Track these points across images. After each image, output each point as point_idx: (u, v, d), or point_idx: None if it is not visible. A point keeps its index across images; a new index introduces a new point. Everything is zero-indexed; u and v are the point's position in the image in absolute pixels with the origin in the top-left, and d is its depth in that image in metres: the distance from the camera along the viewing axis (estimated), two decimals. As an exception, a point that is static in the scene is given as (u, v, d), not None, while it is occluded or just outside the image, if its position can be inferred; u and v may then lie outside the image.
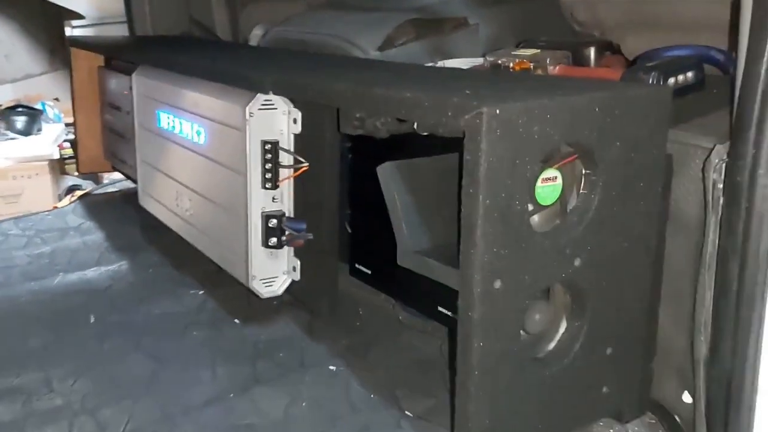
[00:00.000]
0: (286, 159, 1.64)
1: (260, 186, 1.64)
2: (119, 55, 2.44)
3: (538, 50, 1.51)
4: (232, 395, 1.50)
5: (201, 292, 2.00)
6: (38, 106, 5.30)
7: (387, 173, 1.18)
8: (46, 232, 2.53)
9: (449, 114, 0.99)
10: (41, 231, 2.55)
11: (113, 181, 3.18)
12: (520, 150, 0.99)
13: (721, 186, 1.07)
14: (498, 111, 0.94)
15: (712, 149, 1.10)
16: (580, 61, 1.53)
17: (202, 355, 1.68)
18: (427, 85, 1.25)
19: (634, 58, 1.53)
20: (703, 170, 1.11)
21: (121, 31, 6.17)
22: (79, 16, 6.31)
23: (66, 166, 5.08)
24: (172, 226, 2.12)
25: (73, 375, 1.60)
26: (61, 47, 6.18)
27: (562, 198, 1.11)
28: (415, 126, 1.11)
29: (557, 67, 1.45)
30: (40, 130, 5.13)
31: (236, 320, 1.83)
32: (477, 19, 2.03)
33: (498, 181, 0.98)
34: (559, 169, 1.08)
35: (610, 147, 1.09)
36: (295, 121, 1.61)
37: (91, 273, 2.18)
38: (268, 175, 1.63)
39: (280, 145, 1.62)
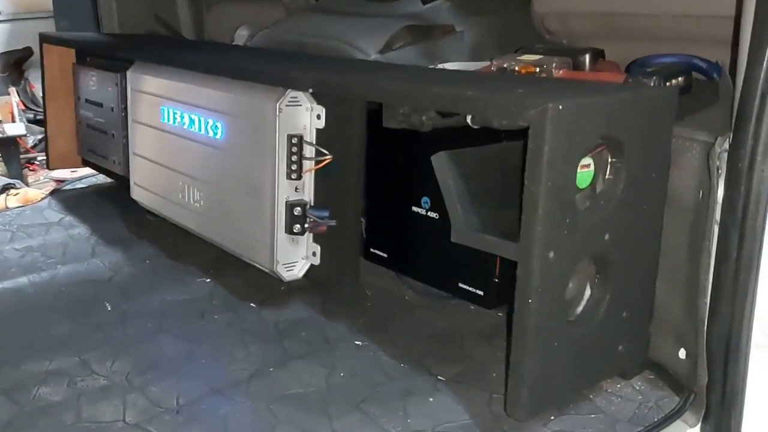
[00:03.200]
0: (308, 152, 1.77)
1: (285, 177, 1.76)
2: (116, 54, 2.48)
3: (541, 56, 1.71)
4: (271, 369, 1.62)
5: (207, 280, 2.09)
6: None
7: (441, 161, 1.34)
8: (29, 227, 2.54)
9: (513, 109, 1.16)
10: (23, 226, 2.55)
11: (79, 178, 3.17)
12: (572, 140, 1.18)
13: (722, 172, 1.30)
14: (561, 107, 1.12)
15: (715, 141, 1.32)
16: (576, 66, 1.74)
17: (229, 335, 1.79)
18: (470, 84, 1.42)
19: (628, 64, 1.75)
20: (708, 158, 1.33)
21: (43, 26, 6.06)
22: (-9, 11, 6.12)
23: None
24: (175, 218, 2.20)
25: (108, 357, 1.67)
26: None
27: (593, 182, 1.30)
28: (469, 120, 1.27)
29: (561, 71, 1.65)
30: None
31: (252, 304, 1.94)
32: (461, 27, 2.22)
33: (555, 166, 1.16)
34: (592, 157, 1.28)
35: (634, 138, 1.29)
36: (318, 116, 1.74)
37: (89, 265, 2.22)
38: (294, 167, 1.76)
39: (305, 138, 1.75)
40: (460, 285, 1.61)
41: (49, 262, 2.25)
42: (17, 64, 6.09)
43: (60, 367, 1.64)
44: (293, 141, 1.74)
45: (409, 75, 1.58)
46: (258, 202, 1.80)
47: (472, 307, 1.85)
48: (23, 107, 5.49)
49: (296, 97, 1.72)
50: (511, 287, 1.65)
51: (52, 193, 2.96)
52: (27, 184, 4.69)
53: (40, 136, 4.72)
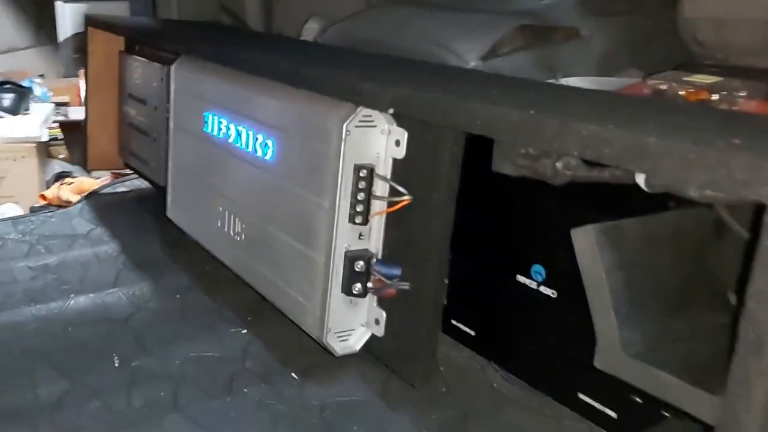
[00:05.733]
0: (380, 189, 1.32)
1: (347, 219, 1.32)
2: (160, 43, 2.09)
3: (717, 77, 1.22)
4: (309, 487, 1.18)
5: (243, 330, 1.67)
6: (26, 83, 4.93)
7: (588, 240, 0.87)
8: (51, 239, 2.19)
9: (738, 178, 0.68)
10: (45, 237, 2.20)
11: (122, 179, 2.82)
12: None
13: None
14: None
15: None
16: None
17: (258, 421, 1.36)
18: (643, 121, 0.93)
19: None
20: None
21: (118, 8, 5.79)
22: (71, -9, 5.93)
23: (51, 149, 4.72)
24: (212, 249, 1.79)
25: (100, 443, 1.27)
26: (48, 22, 5.79)
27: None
28: (642, 181, 0.80)
29: (753, 102, 1.16)
30: (27, 109, 4.77)
31: (293, 374, 1.50)
32: (589, 31, 1.73)
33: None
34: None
35: None
36: (397, 143, 1.29)
37: (107, 296, 1.84)
38: (359, 207, 1.31)
39: (377, 171, 1.31)
40: (582, 397, 1.13)
41: (62, 288, 1.87)
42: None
43: (37, 453, 1.24)
44: (361, 174, 1.29)
45: (538, 97, 1.11)
46: (309, 249, 1.37)
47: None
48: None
49: (370, 116, 1.28)
50: (657, 412, 1.17)
51: (88, 196, 2.61)
52: (88, 172, 4.42)
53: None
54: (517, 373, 1.33)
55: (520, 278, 1.23)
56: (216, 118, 1.67)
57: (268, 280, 1.54)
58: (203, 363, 1.55)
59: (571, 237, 0.89)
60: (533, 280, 1.21)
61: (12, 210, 3.68)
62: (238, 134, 1.59)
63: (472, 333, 1.36)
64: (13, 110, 4.58)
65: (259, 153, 1.51)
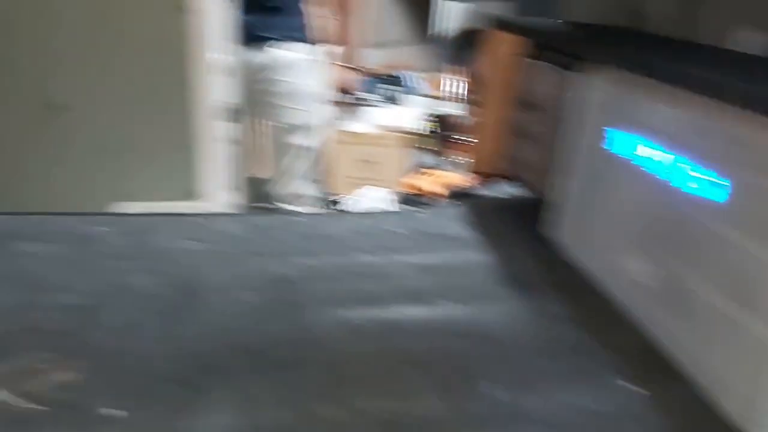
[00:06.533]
0: None
1: (815, 292, 1.01)
2: (566, 48, 1.94)
3: None
4: None
5: (629, 385, 1.43)
6: (403, 76, 5.30)
7: None
8: (432, 238, 2.15)
9: None
10: (422, 233, 2.18)
11: (492, 182, 2.75)
12: None
13: None
14: None
15: None
16: None
17: None
18: None
19: None
20: None
21: (497, 9, 5.82)
22: (451, -11, 6.11)
23: (420, 141, 4.95)
24: (605, 284, 1.59)
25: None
26: (426, 21, 6.06)
27: None
28: None
29: None
30: (403, 100, 5.14)
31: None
32: None
33: None
34: None
35: None
36: None
37: (477, 309, 1.73)
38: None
39: None
40: None
41: (436, 292, 1.80)
42: (472, 43, 6.05)
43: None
44: None
45: None
46: (746, 315, 1.09)
47: None
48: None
49: None
50: None
51: (457, 196, 2.59)
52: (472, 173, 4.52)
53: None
54: None
55: None
56: (629, 137, 1.46)
57: (675, 334, 1.29)
58: (579, 416, 1.36)
59: None
60: None
61: (384, 194, 3.91)
62: (659, 160, 1.35)
63: None
64: (391, 100, 4.95)
65: (688, 186, 1.26)
